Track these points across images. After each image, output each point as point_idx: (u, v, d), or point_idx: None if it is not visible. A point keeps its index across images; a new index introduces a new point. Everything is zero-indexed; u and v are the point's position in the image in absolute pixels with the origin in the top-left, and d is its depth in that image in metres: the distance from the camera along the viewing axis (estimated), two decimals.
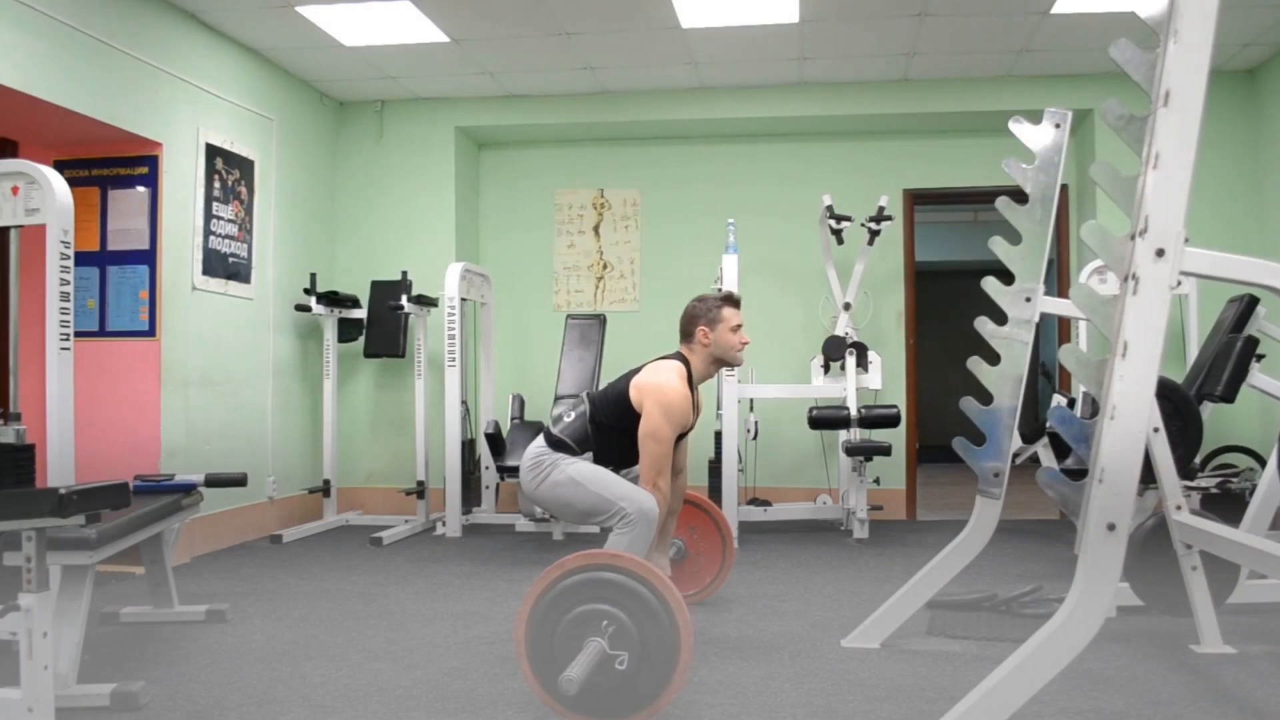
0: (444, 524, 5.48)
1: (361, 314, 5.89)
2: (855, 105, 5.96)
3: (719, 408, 5.37)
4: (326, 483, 5.81)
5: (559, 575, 2.37)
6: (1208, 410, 4.51)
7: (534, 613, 2.37)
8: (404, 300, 5.61)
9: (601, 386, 3.74)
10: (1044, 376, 8.49)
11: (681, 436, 3.18)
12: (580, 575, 2.36)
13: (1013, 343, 2.92)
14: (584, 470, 3.05)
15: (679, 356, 3.17)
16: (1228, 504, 4.28)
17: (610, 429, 3.09)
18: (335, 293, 5.81)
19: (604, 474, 3.05)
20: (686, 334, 3.18)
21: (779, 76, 5.86)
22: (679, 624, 2.30)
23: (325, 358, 5.85)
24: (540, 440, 3.16)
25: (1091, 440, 1.93)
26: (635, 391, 3.05)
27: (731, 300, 3.18)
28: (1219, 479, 4.63)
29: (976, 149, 6.10)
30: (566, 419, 3.16)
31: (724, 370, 5.17)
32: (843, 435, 5.44)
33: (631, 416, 3.03)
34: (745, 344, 3.19)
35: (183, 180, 4.80)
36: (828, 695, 2.64)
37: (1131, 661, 2.91)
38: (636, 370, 3.15)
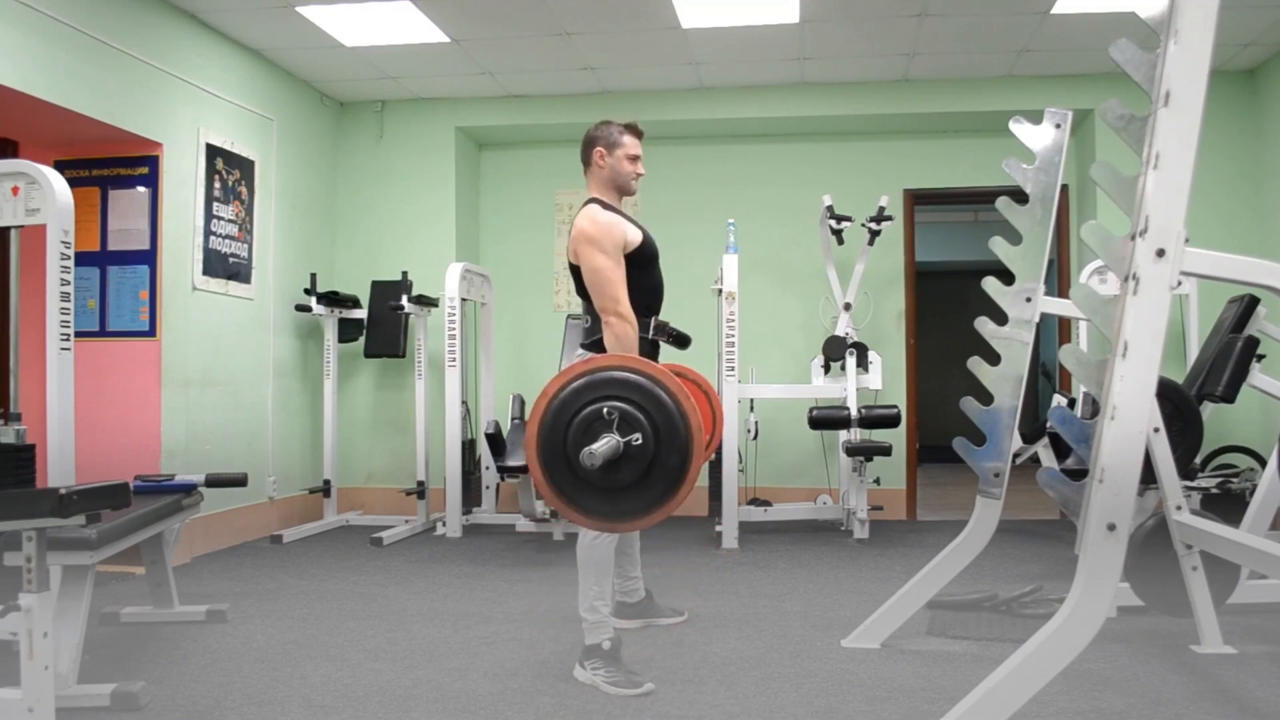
0: (444, 524, 5.48)
1: (362, 314, 5.89)
2: (855, 105, 5.96)
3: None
4: (327, 483, 5.81)
5: (552, 395, 2.34)
6: (1208, 410, 4.51)
7: (541, 442, 2.32)
8: (404, 300, 5.61)
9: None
10: (1044, 376, 8.49)
11: (645, 264, 3.03)
12: (571, 386, 2.33)
13: (1013, 343, 2.92)
14: None
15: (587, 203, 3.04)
16: (1228, 504, 4.28)
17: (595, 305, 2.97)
18: (335, 293, 5.81)
19: None
20: (585, 160, 3.08)
21: (779, 76, 5.86)
22: (674, 394, 2.28)
23: (325, 358, 5.85)
24: (580, 351, 3.06)
25: (1092, 440, 1.93)
26: (570, 253, 2.97)
27: (635, 129, 3.10)
28: (1219, 479, 4.63)
29: (976, 149, 6.10)
30: (585, 326, 3.11)
31: (724, 370, 5.20)
32: (843, 435, 5.44)
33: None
34: (640, 175, 3.10)
35: (183, 180, 4.80)
36: (828, 695, 2.64)
37: (1131, 661, 2.91)
38: None
